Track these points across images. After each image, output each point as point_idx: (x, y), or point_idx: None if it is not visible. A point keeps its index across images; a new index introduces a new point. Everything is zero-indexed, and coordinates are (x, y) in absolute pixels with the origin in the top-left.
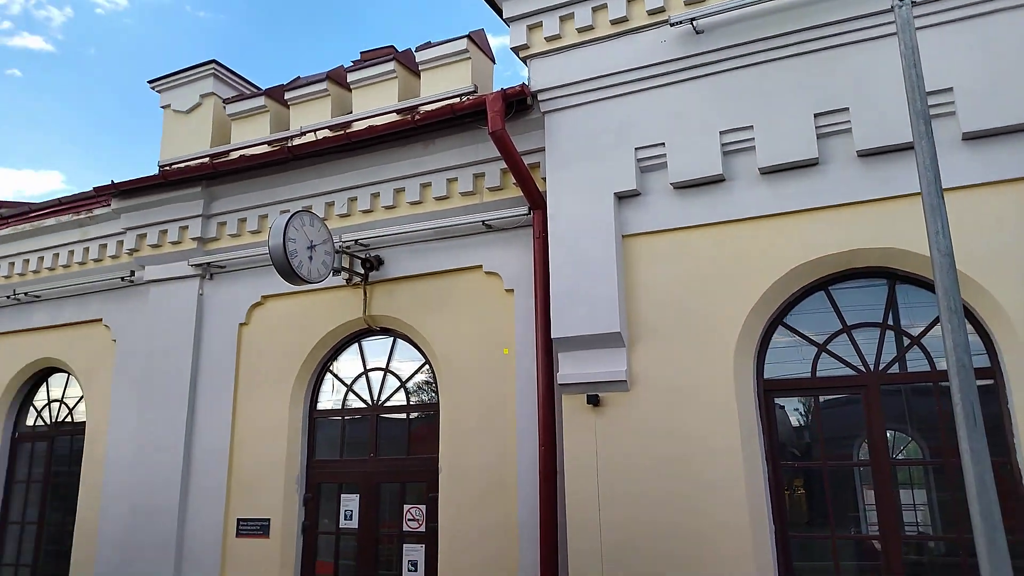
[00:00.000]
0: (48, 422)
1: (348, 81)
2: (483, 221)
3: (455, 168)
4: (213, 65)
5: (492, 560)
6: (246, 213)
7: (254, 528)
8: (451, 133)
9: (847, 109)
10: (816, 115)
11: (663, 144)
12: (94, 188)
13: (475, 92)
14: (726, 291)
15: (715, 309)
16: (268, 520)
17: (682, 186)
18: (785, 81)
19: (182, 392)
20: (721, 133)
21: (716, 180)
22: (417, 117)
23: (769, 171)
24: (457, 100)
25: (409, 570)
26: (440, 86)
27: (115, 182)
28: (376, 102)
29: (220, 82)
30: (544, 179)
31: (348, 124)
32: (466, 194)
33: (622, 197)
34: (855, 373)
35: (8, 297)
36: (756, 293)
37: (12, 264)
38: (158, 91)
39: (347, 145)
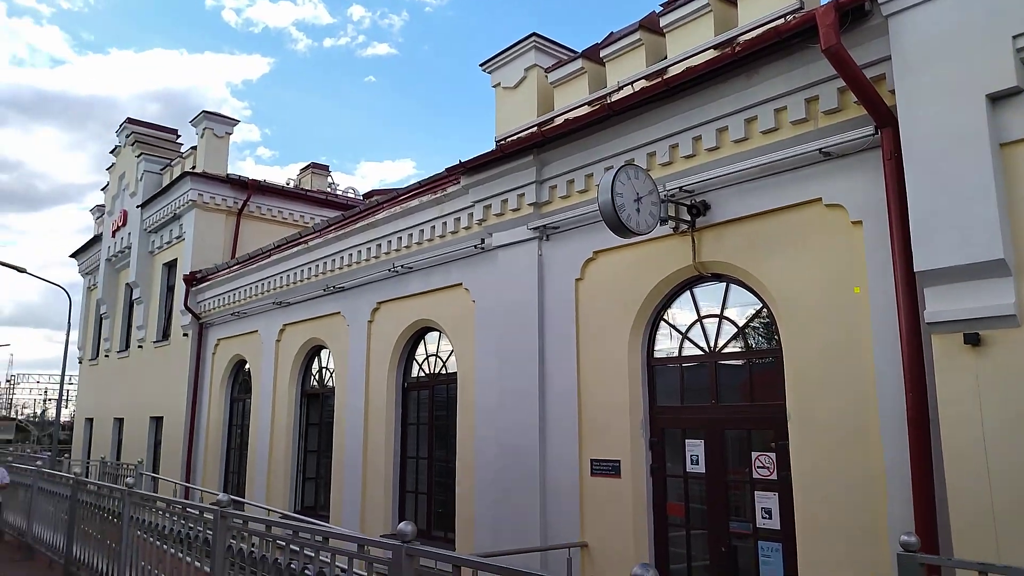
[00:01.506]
0: (427, 373)
1: (661, 26)
2: (819, 149)
3: (783, 96)
4: (533, 38)
5: (856, 511)
6: (573, 174)
7: (606, 468)
8: (776, 59)
9: None
10: None
11: None
12: (445, 169)
13: (801, 8)
14: None
15: None
16: (618, 461)
17: None
18: None
19: (532, 344)
20: None
21: None
22: (737, 48)
23: None
24: (781, 21)
25: (763, 517)
26: (760, 9)
27: (462, 161)
28: (691, 41)
29: (541, 53)
30: (892, 91)
31: (664, 70)
32: (797, 122)
33: (997, 98)
34: None
35: (389, 270)
36: None
37: (389, 242)
38: (488, 72)
39: (664, 92)
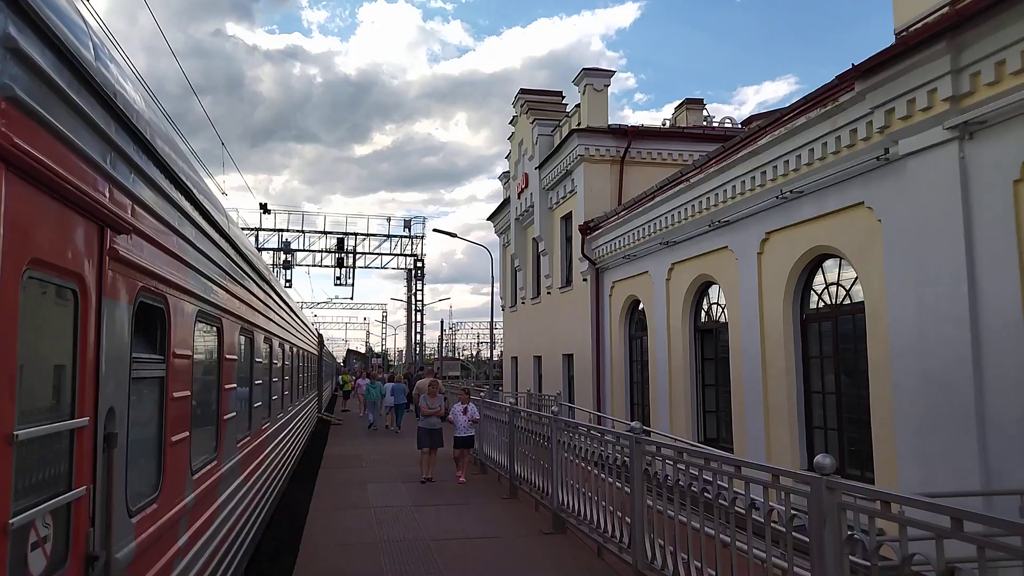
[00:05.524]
0: (828, 304)
1: None
2: None
3: None
4: None
5: None
6: (1003, 54)
7: None
8: None
9: None
10: None
11: None
12: (836, 77)
13: None
14: None
15: None
16: None
17: None
18: None
19: (958, 263)
20: None
21: None
22: None
23: None
24: None
25: None
26: None
27: (855, 64)
28: None
29: None
30: None
31: None
32: None
33: None
34: None
35: (776, 197)
36: None
37: (775, 168)
38: None
39: None
